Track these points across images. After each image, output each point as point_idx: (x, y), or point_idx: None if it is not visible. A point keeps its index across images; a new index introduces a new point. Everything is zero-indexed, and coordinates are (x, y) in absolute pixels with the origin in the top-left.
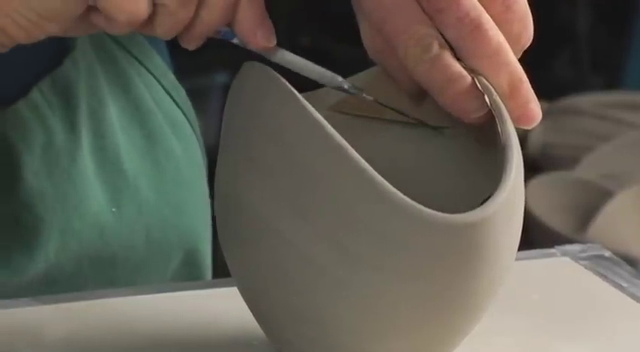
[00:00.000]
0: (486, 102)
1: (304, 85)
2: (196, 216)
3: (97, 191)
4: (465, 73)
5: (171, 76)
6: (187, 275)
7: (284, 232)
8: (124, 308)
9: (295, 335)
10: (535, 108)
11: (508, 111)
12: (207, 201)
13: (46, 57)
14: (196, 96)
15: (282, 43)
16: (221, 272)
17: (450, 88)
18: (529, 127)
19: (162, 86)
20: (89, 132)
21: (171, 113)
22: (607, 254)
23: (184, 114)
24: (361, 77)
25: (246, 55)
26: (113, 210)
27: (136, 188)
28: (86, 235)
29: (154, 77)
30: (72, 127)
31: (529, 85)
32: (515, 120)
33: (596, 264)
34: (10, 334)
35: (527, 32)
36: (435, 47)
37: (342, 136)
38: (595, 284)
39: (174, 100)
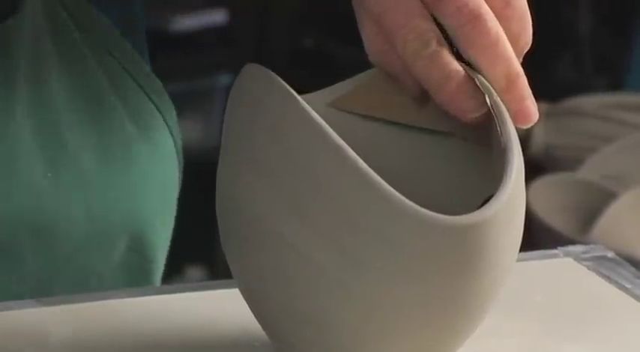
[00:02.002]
0: (485, 103)
1: (305, 86)
2: (148, 204)
3: (33, 154)
4: (462, 71)
5: (144, 66)
6: (134, 264)
7: (284, 234)
8: (126, 309)
9: (296, 337)
10: (531, 105)
11: (505, 106)
12: (173, 196)
13: None
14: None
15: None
16: (223, 274)
17: (447, 85)
18: (525, 126)
19: (127, 72)
20: (27, 95)
21: (133, 99)
22: (610, 255)
23: (155, 104)
24: (362, 78)
25: (247, 57)
26: (49, 174)
27: (76, 159)
28: (20, 197)
29: (118, 62)
30: (8, 86)
31: (526, 82)
32: (512, 117)
33: (599, 264)
34: (13, 335)
35: (526, 34)
36: (434, 43)
37: (342, 138)
38: (598, 285)
39: (142, 89)
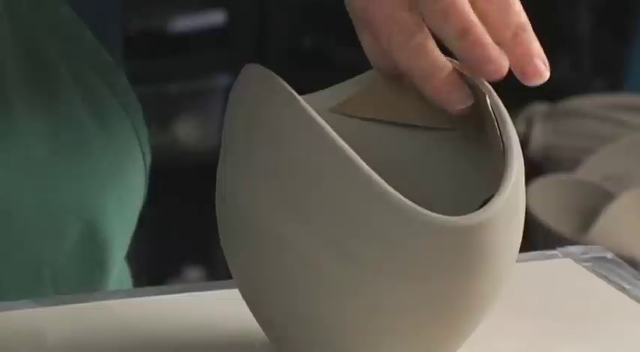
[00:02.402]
0: (472, 95)
1: (305, 86)
2: (104, 198)
3: None
4: (449, 62)
5: (107, 57)
6: (88, 254)
7: (284, 234)
8: (125, 309)
9: (297, 338)
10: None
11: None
12: (134, 196)
13: None
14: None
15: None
16: (222, 274)
17: (434, 76)
18: (532, 84)
19: (92, 67)
20: None
21: (93, 90)
22: (609, 255)
23: (119, 101)
24: (362, 79)
25: (247, 57)
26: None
27: (28, 146)
28: None
29: (79, 52)
30: None
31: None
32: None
33: (598, 265)
34: (11, 335)
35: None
36: (419, 34)
37: (343, 138)
38: (597, 285)
39: (103, 80)
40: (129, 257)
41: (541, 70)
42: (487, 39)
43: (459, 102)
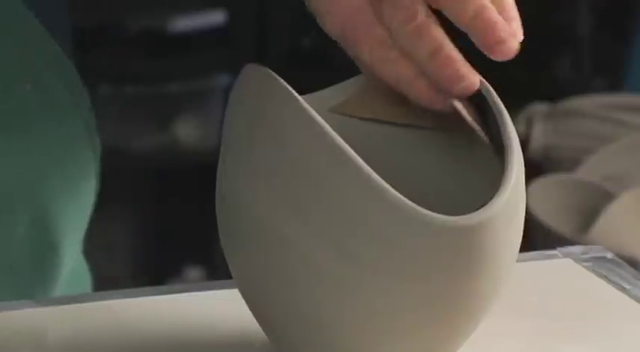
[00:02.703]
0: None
1: (305, 86)
2: (53, 185)
3: None
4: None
5: (55, 48)
6: (36, 240)
7: (284, 234)
8: (125, 309)
9: (297, 337)
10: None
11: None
12: (86, 186)
13: None
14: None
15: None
16: (222, 274)
17: (418, 81)
18: (499, 57)
19: (33, 49)
20: None
21: (41, 78)
22: (609, 255)
23: (64, 84)
24: (361, 79)
25: (247, 57)
26: None
27: None
28: None
29: (23, 37)
30: None
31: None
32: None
33: (598, 265)
34: (11, 335)
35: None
36: (395, 48)
37: (343, 138)
38: (597, 285)
39: (50, 68)
40: (129, 257)
41: (504, 39)
42: (457, 56)
43: (442, 101)
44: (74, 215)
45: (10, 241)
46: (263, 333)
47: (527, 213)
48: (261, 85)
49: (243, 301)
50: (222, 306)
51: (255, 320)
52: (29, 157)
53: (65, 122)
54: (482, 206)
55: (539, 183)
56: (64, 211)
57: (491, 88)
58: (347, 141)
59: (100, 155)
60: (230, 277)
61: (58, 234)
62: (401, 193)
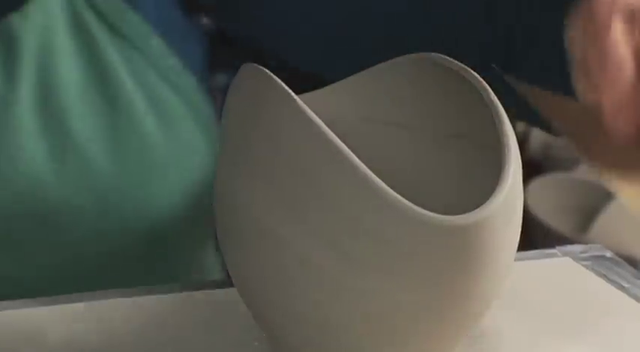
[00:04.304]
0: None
1: (303, 87)
2: (167, 196)
3: (36, 143)
4: None
5: (170, 61)
6: (154, 256)
7: (282, 234)
8: (125, 308)
9: (295, 337)
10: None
11: None
12: (202, 191)
13: None
14: None
15: None
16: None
17: None
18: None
19: (155, 67)
20: (33, 86)
21: (158, 94)
22: (608, 254)
23: (183, 100)
24: (361, 78)
25: (244, 56)
26: (55, 165)
27: (83, 150)
28: (18, 185)
29: (144, 57)
30: (10, 77)
31: None
32: None
33: (597, 264)
34: (11, 334)
35: None
36: None
37: (341, 138)
38: (596, 284)
39: (168, 82)
40: None
41: None
42: None
43: None
44: (188, 219)
45: (122, 258)
46: (262, 333)
47: (526, 212)
48: (258, 85)
49: (242, 301)
50: (222, 306)
51: (254, 320)
52: (143, 176)
53: (183, 137)
54: (480, 205)
55: (539, 182)
56: (177, 219)
57: (488, 87)
58: (345, 141)
59: None
60: (229, 277)
61: (175, 247)
62: (398, 193)
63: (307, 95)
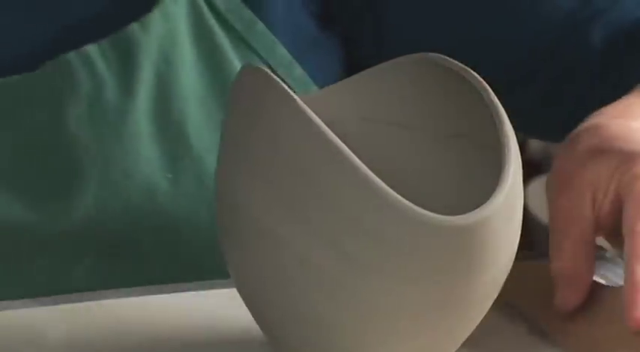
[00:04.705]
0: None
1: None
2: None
3: (152, 154)
4: None
5: (297, 71)
6: None
7: (283, 235)
8: (125, 308)
9: (295, 337)
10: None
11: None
12: None
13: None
14: None
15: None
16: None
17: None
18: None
19: (278, 77)
20: (150, 96)
21: None
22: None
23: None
24: (355, 81)
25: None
26: (169, 176)
27: (200, 160)
28: (133, 195)
29: (266, 65)
30: (127, 87)
31: None
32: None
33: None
34: (11, 336)
35: None
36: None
37: (341, 138)
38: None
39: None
40: None
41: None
42: None
43: None
44: None
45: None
46: (262, 333)
47: (526, 212)
48: (259, 86)
49: (242, 301)
50: (222, 306)
51: (254, 320)
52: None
53: None
54: (480, 205)
55: (539, 182)
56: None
57: (488, 87)
58: (345, 141)
59: None
60: (229, 277)
61: None
62: (398, 193)
63: (307, 95)
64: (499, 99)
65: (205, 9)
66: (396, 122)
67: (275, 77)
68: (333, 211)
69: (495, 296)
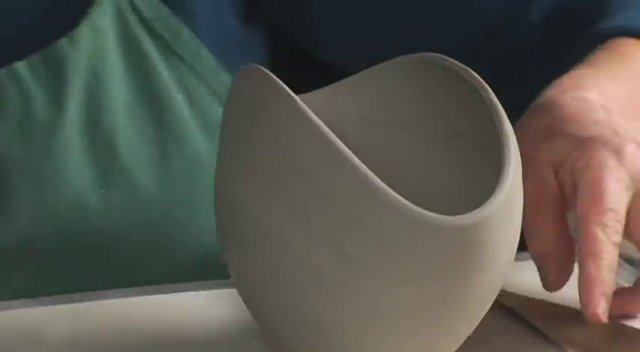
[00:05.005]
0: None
1: (302, 86)
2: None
3: (83, 169)
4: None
5: (223, 76)
6: (214, 264)
7: (282, 235)
8: (125, 308)
9: (295, 337)
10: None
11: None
12: None
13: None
14: None
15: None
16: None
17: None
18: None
19: (205, 83)
20: (80, 110)
21: (208, 113)
22: None
23: (218, 97)
24: (355, 80)
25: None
26: (102, 191)
27: (130, 171)
28: (64, 212)
29: (196, 75)
30: (57, 102)
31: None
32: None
33: None
34: (12, 334)
35: None
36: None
37: (341, 138)
38: None
39: (219, 98)
40: None
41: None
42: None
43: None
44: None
45: (179, 274)
46: (262, 333)
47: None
48: (258, 85)
49: (242, 301)
50: (222, 306)
51: (254, 320)
52: (192, 198)
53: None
54: (480, 205)
55: None
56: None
57: (488, 87)
58: (345, 141)
59: None
60: (229, 277)
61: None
62: (398, 193)
63: (307, 95)
64: (498, 98)
65: (132, 19)
66: (395, 122)
67: (275, 77)
68: (333, 211)
69: (495, 296)
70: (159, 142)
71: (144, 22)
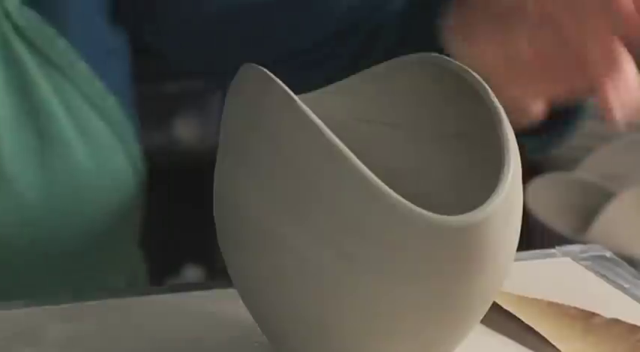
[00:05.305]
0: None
1: (302, 87)
2: (108, 232)
3: None
4: None
5: (96, 84)
6: (88, 278)
7: (282, 235)
8: (123, 309)
9: (295, 338)
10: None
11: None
12: (132, 214)
13: None
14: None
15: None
16: (222, 274)
17: None
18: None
19: (80, 91)
20: None
21: (86, 121)
22: (608, 254)
23: (109, 124)
24: (355, 80)
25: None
26: None
27: (14, 184)
28: None
29: (72, 84)
30: None
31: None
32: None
33: (597, 264)
34: (11, 336)
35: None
36: None
37: (340, 138)
38: (596, 284)
39: (94, 107)
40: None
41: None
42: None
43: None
44: (121, 235)
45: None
46: (262, 333)
47: (526, 211)
48: (258, 85)
49: (242, 301)
50: (222, 306)
51: (254, 320)
52: (76, 215)
53: (114, 166)
54: (480, 205)
55: (538, 181)
56: (111, 239)
57: (487, 87)
58: (345, 141)
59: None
60: (229, 277)
61: (110, 255)
62: (400, 194)
63: (307, 95)
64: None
65: (8, 28)
66: (395, 123)
67: (275, 77)
68: (333, 212)
69: (495, 295)
70: (41, 154)
71: (19, 31)
